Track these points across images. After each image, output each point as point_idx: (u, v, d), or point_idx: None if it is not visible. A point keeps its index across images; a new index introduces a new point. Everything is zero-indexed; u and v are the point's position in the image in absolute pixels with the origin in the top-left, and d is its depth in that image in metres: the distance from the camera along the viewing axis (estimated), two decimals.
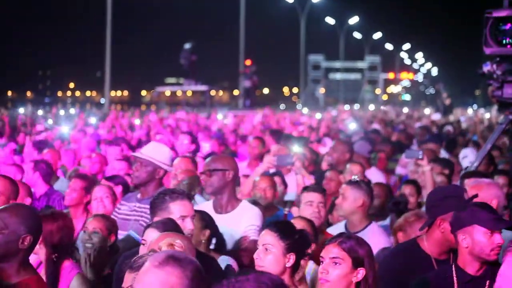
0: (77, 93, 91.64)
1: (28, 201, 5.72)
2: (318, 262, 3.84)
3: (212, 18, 77.43)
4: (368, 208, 5.67)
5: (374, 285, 3.57)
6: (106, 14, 32.44)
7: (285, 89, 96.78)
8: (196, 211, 4.60)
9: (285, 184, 7.57)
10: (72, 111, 29.73)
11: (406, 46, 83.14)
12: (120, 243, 4.96)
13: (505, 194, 5.32)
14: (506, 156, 8.67)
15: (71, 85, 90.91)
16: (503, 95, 5.50)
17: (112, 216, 5.35)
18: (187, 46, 48.39)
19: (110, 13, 32.71)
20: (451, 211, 4.07)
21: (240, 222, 5.27)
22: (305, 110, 37.37)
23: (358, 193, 5.56)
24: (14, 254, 3.60)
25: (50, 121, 20.35)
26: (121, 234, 5.10)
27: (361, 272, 3.52)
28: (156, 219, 4.27)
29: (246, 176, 7.54)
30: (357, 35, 72.92)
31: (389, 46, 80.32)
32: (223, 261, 4.71)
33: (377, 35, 74.02)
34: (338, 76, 76.37)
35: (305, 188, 5.52)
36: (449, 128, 17.70)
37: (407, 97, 79.71)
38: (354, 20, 65.00)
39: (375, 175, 8.55)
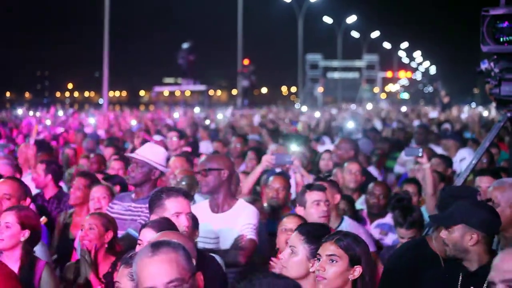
0: (76, 94, 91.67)
1: (27, 201, 5.71)
2: None
3: (210, 18, 77.50)
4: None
5: (371, 283, 3.57)
6: (104, 14, 32.46)
7: (283, 88, 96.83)
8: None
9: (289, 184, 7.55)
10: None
11: (404, 44, 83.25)
12: (120, 241, 4.98)
13: None
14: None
15: (70, 85, 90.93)
16: (501, 93, 5.49)
17: None
18: (185, 46, 48.48)
19: (108, 14, 32.72)
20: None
21: (236, 221, 5.28)
22: (304, 108, 37.40)
23: (332, 190, 5.59)
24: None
25: (48, 122, 20.32)
26: (118, 233, 5.10)
27: (357, 270, 3.53)
28: (153, 216, 4.31)
29: (246, 173, 7.55)
30: (355, 34, 73.05)
31: (387, 45, 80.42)
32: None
33: (375, 34, 74.06)
34: (336, 75, 76.49)
35: (309, 187, 5.43)
36: (447, 126, 17.64)
37: (405, 95, 79.76)
38: (351, 19, 65.03)
39: (372, 174, 8.54)
